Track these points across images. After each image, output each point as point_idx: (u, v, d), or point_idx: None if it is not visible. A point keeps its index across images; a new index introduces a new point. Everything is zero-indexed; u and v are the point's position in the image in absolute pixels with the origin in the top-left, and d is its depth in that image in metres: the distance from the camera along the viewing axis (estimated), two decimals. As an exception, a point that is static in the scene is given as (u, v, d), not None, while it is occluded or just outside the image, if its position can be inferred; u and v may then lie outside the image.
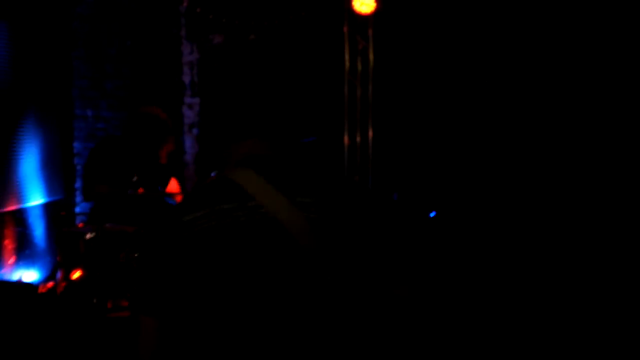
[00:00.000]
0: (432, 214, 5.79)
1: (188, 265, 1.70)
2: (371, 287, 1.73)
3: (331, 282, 1.68)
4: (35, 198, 5.58)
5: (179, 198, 4.66)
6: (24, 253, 5.41)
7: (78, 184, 6.46)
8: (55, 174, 6.00)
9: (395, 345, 1.75)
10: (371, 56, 6.64)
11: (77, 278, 4.22)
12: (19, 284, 4.76)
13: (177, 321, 1.73)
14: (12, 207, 5.23)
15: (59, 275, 4.37)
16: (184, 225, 1.70)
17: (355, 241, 1.72)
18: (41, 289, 5.09)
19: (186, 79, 6.73)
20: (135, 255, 4.06)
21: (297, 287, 1.68)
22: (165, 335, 1.72)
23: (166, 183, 4.68)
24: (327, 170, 1.80)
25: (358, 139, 6.71)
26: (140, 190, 4.31)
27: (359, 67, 6.68)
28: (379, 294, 1.73)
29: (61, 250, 4.33)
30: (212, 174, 4.62)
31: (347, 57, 6.62)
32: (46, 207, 5.76)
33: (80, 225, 5.09)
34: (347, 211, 1.72)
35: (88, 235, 4.17)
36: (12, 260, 5.23)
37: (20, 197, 5.36)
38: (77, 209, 6.17)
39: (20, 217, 5.39)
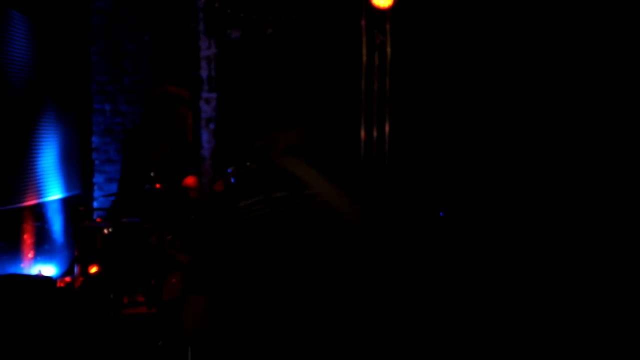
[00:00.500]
0: (440, 214, 5.77)
1: (243, 250, 1.70)
2: (420, 285, 1.75)
3: (388, 272, 1.71)
4: (53, 193, 5.63)
5: (193, 194, 4.66)
6: (43, 247, 5.46)
7: (97, 179, 6.50)
8: (74, 168, 6.04)
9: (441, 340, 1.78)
10: (389, 50, 6.62)
11: (94, 273, 4.26)
12: (38, 278, 4.80)
13: (231, 303, 1.73)
14: (31, 202, 5.28)
15: (76, 269, 4.41)
16: (239, 211, 1.71)
17: (405, 235, 1.75)
18: (59, 284, 5.15)
19: (204, 73, 6.74)
20: (168, 237, 4.06)
21: (355, 276, 1.70)
22: (215, 315, 1.73)
23: (183, 177, 4.68)
24: (369, 162, 1.83)
25: (375, 133, 6.69)
26: (158, 185, 4.32)
27: (377, 61, 6.66)
28: (426, 292, 1.75)
29: (79, 245, 4.37)
30: (229, 170, 4.63)
31: (364, 51, 6.60)
32: (64, 202, 5.81)
33: (98, 220, 5.13)
34: (394, 205, 1.76)
35: (105, 231, 4.20)
36: (31, 254, 5.28)
37: (39, 191, 5.40)
38: (95, 204, 6.22)
39: (39, 212, 5.44)
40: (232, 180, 4.00)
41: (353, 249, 1.70)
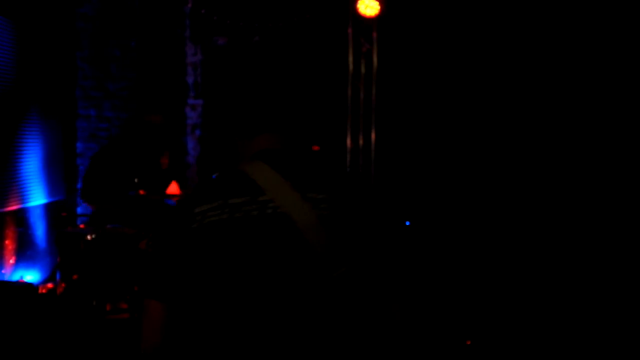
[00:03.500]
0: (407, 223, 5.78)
1: (197, 256, 1.70)
2: (370, 292, 1.73)
3: (334, 280, 1.69)
4: (36, 198, 5.58)
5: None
6: (25, 253, 5.41)
7: (80, 185, 6.46)
8: (57, 174, 6.00)
9: (385, 350, 1.75)
10: (375, 59, 6.63)
11: (76, 279, 4.22)
12: (19, 284, 4.75)
13: (184, 308, 1.73)
14: (13, 207, 5.23)
15: (58, 276, 4.38)
16: (195, 216, 1.71)
17: (363, 239, 1.73)
18: (41, 290, 5.10)
19: (190, 80, 6.72)
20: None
21: (301, 283, 1.69)
22: (171, 320, 1.72)
23: (167, 185, 4.69)
24: (337, 167, 1.80)
25: (361, 141, 6.69)
26: (142, 192, 4.30)
27: (363, 69, 6.66)
28: (375, 301, 1.74)
29: (61, 251, 4.34)
30: (214, 176, 4.63)
31: (351, 59, 6.60)
32: (47, 208, 5.76)
33: (81, 226, 5.10)
34: (357, 208, 1.73)
35: (89, 237, 4.17)
36: (12, 260, 5.23)
37: (21, 197, 5.36)
38: (79, 210, 6.17)
39: (21, 217, 5.38)
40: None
41: (300, 256, 1.68)
